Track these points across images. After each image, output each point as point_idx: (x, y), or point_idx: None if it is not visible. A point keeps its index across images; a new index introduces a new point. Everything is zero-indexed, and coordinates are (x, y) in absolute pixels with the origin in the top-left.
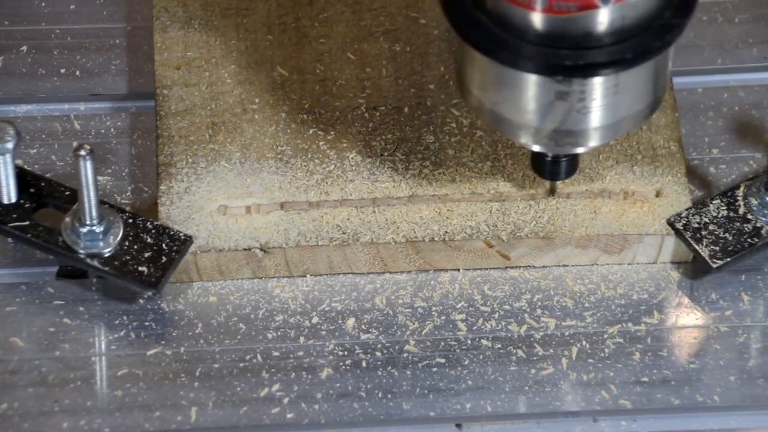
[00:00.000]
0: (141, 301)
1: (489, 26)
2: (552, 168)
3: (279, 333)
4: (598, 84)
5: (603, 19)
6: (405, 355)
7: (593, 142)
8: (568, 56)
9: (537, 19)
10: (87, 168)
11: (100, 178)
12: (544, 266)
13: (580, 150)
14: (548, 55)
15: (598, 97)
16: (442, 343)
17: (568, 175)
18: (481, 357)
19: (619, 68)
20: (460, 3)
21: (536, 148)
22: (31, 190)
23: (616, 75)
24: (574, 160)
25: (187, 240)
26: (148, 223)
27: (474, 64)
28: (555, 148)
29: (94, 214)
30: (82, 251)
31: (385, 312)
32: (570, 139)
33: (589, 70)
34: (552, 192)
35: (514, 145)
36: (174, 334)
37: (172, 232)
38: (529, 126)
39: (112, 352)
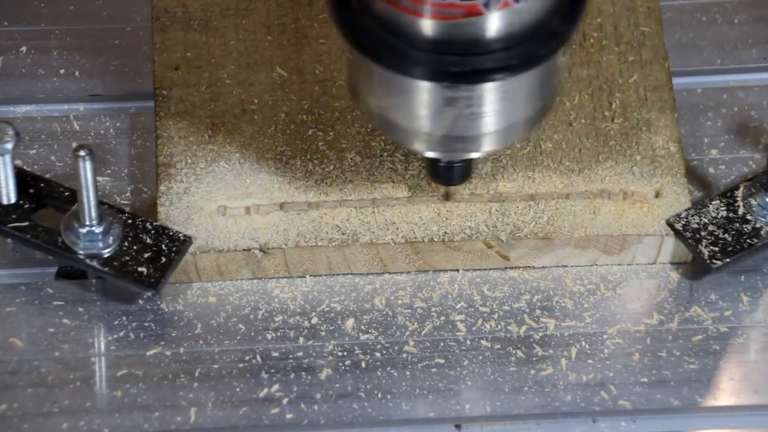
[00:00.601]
0: (140, 301)
1: (377, 32)
2: (446, 173)
3: (278, 333)
4: (485, 90)
5: (489, 25)
6: (404, 355)
7: (485, 147)
8: (454, 62)
9: (423, 25)
10: (86, 169)
11: (99, 178)
12: (543, 267)
13: (472, 155)
14: (435, 61)
15: (487, 103)
16: (442, 344)
17: (462, 180)
18: (480, 357)
19: (506, 75)
20: (348, 9)
21: (429, 153)
22: (31, 191)
23: (504, 81)
24: (468, 165)
25: (187, 240)
26: (148, 223)
27: (363, 70)
28: (446, 153)
29: (93, 214)
30: (81, 252)
31: (385, 312)
32: (460, 145)
33: (476, 76)
34: (447, 197)
35: (514, 146)
36: (173, 334)
37: (171, 233)
38: (419, 132)
39: (111, 353)
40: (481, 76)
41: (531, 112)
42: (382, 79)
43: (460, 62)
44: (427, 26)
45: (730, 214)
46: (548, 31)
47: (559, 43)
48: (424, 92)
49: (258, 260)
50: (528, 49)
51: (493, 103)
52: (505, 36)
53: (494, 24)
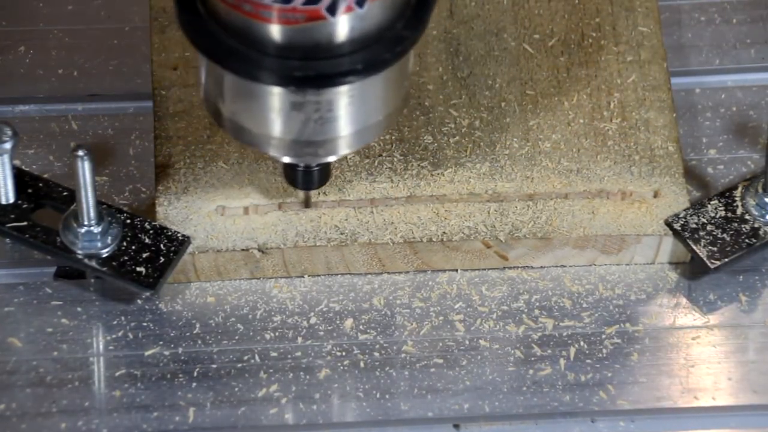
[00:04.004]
0: (139, 301)
1: (223, 37)
2: (304, 178)
3: (277, 333)
4: (332, 94)
5: (332, 30)
6: (403, 355)
7: (339, 151)
8: (299, 67)
9: (267, 29)
10: (85, 168)
11: (98, 178)
12: (542, 267)
13: (326, 159)
14: (280, 66)
15: (335, 107)
16: (440, 344)
17: (321, 184)
18: (479, 357)
19: (351, 79)
20: (193, 14)
21: (285, 159)
22: (29, 191)
23: (351, 86)
24: (326, 169)
25: (185, 240)
26: (146, 223)
27: (213, 76)
28: (298, 158)
29: (92, 214)
30: (80, 252)
31: (383, 312)
32: (312, 149)
33: (320, 81)
34: (307, 202)
35: (513, 146)
36: (172, 334)
37: (170, 233)
38: (270, 137)
39: (109, 353)
40: (325, 80)
41: (381, 115)
42: (232, 85)
43: (305, 67)
44: (271, 31)
45: (729, 214)
46: (393, 35)
47: (404, 47)
48: (272, 97)
49: (256, 260)
50: (372, 54)
51: (341, 108)
52: (349, 41)
53: (337, 29)
